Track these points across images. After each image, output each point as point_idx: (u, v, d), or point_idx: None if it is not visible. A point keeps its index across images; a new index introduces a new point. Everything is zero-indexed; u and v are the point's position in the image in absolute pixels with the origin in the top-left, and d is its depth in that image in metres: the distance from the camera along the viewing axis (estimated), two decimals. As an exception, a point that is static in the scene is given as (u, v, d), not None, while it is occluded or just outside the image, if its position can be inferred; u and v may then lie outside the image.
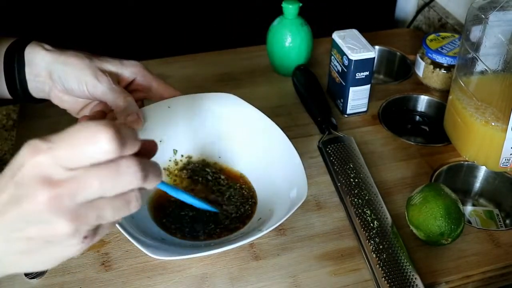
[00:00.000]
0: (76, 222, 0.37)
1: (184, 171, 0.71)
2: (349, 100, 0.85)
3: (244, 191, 0.69)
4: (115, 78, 0.65)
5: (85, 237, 0.38)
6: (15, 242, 0.38)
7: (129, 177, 0.38)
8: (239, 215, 0.67)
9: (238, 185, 0.70)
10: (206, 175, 0.71)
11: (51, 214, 0.36)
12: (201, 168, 0.72)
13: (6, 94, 0.68)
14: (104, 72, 0.64)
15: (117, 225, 0.56)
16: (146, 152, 0.43)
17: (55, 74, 0.64)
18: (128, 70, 0.67)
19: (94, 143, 0.36)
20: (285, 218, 0.58)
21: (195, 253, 0.59)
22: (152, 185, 0.40)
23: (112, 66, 0.66)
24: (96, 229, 0.39)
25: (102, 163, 0.37)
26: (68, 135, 0.37)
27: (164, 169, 0.71)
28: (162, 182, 0.46)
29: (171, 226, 0.65)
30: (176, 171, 0.71)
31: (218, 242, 0.63)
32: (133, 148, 0.38)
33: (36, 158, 0.36)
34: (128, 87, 0.68)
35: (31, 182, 0.36)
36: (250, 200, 0.68)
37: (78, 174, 0.37)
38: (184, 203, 0.67)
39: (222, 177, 0.71)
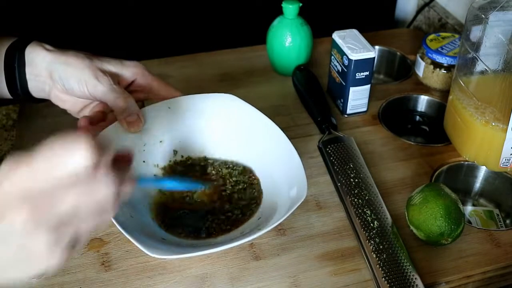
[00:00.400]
0: (55, 234, 0.37)
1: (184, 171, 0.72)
2: (349, 100, 0.85)
3: (249, 192, 0.69)
4: (116, 79, 0.65)
5: (64, 249, 0.38)
6: None
7: (104, 189, 0.38)
8: (238, 215, 0.67)
9: (245, 185, 0.70)
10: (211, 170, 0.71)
11: (31, 229, 0.36)
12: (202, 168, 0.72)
13: (6, 93, 0.68)
14: (105, 72, 0.64)
15: (116, 225, 0.56)
16: (123, 161, 0.44)
17: (55, 74, 0.64)
18: (129, 70, 0.67)
19: (72, 154, 0.37)
20: (284, 218, 0.58)
21: (194, 252, 0.59)
22: (126, 194, 0.41)
23: (113, 66, 0.66)
24: (74, 241, 0.39)
25: (79, 175, 0.37)
26: (46, 148, 0.37)
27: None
28: (141, 180, 0.46)
29: (171, 225, 0.65)
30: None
31: (217, 241, 0.63)
32: (107, 159, 0.39)
33: (15, 172, 0.37)
34: (129, 88, 0.68)
35: (10, 199, 0.36)
36: (255, 200, 0.68)
37: (56, 187, 0.37)
38: (184, 202, 0.68)
39: (239, 169, 0.71)
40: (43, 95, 0.68)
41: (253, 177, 0.70)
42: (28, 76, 0.66)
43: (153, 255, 0.55)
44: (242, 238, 0.57)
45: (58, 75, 0.64)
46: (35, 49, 0.65)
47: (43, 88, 0.66)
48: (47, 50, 0.65)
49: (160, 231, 0.64)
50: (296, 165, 0.64)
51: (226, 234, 0.64)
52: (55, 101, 0.68)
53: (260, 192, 0.69)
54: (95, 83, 0.63)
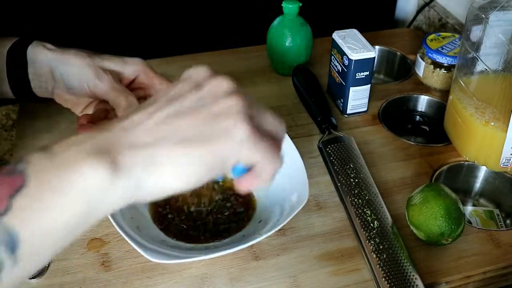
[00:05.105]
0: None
1: None
2: (349, 100, 0.84)
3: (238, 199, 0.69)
4: (117, 77, 0.65)
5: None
6: None
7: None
8: (238, 218, 0.67)
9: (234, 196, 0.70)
10: None
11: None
12: None
13: (10, 93, 0.68)
14: (106, 71, 0.64)
15: (117, 228, 0.56)
16: None
17: (57, 73, 0.64)
18: (130, 68, 0.66)
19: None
20: (284, 223, 0.59)
21: (194, 257, 0.58)
22: None
23: (114, 64, 0.66)
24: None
25: None
26: None
27: None
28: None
29: (171, 228, 0.65)
30: None
31: (217, 245, 0.63)
32: None
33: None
34: (131, 85, 0.68)
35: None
36: (252, 207, 0.68)
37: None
38: (184, 206, 0.68)
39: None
40: (46, 94, 0.68)
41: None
42: (30, 76, 0.66)
43: (153, 260, 0.55)
44: (241, 243, 0.58)
45: (60, 74, 0.64)
46: (37, 49, 0.65)
47: (46, 87, 0.66)
48: (48, 49, 0.65)
49: (160, 233, 0.64)
50: (299, 169, 0.65)
51: (226, 237, 0.64)
52: (58, 100, 0.68)
53: (257, 198, 0.69)
54: (96, 82, 0.63)
